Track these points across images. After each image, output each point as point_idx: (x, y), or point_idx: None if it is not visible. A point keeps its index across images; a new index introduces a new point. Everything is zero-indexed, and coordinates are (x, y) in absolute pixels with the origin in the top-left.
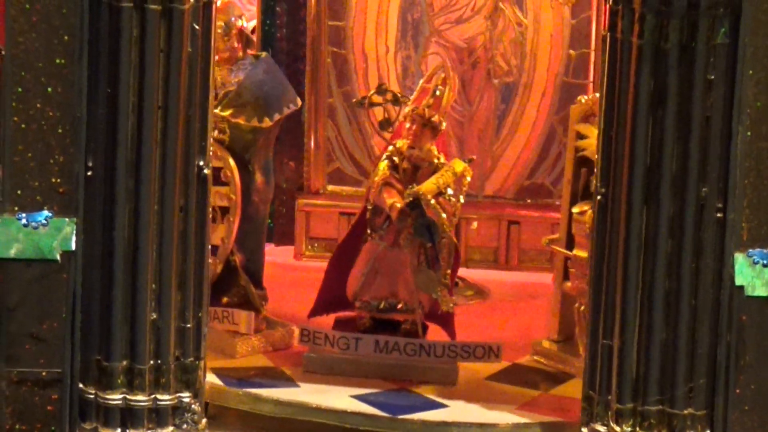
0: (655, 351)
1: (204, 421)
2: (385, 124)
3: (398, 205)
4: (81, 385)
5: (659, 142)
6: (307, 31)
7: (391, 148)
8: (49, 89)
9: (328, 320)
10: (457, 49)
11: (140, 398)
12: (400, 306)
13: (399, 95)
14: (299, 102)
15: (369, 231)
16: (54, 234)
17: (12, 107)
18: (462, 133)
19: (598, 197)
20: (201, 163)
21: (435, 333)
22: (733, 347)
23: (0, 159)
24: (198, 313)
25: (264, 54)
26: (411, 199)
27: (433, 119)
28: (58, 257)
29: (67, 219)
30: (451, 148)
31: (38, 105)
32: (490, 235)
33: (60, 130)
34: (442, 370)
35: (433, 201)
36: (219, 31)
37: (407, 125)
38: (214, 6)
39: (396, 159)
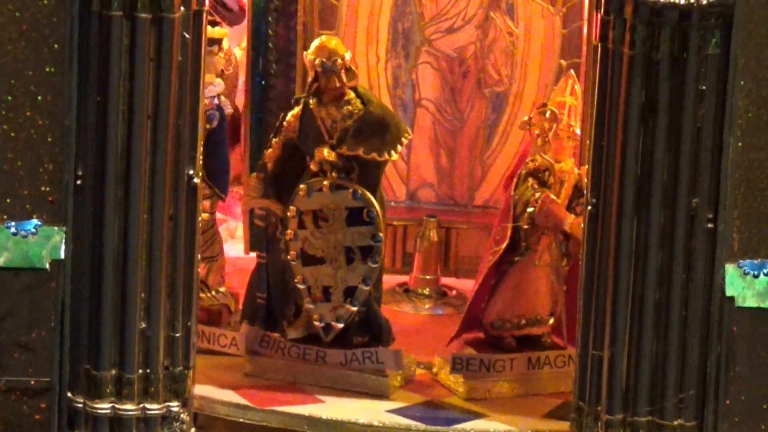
0: (645, 361)
1: (193, 430)
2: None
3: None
4: (70, 394)
5: (650, 152)
6: (297, 40)
7: (530, 164)
8: (39, 98)
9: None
10: (448, 58)
11: (129, 407)
12: (538, 319)
13: (558, 113)
14: (410, 131)
15: (524, 249)
16: (43, 243)
17: (1, 115)
18: (452, 143)
19: (589, 207)
20: (191, 172)
21: None
22: (724, 358)
23: None
24: (187, 323)
25: (361, 87)
26: None
27: (576, 132)
28: (47, 266)
29: (56, 228)
30: (441, 158)
31: (28, 113)
32: (479, 244)
33: (49, 139)
34: None
35: None
36: (318, 68)
37: (550, 140)
38: (204, 15)
39: (542, 175)
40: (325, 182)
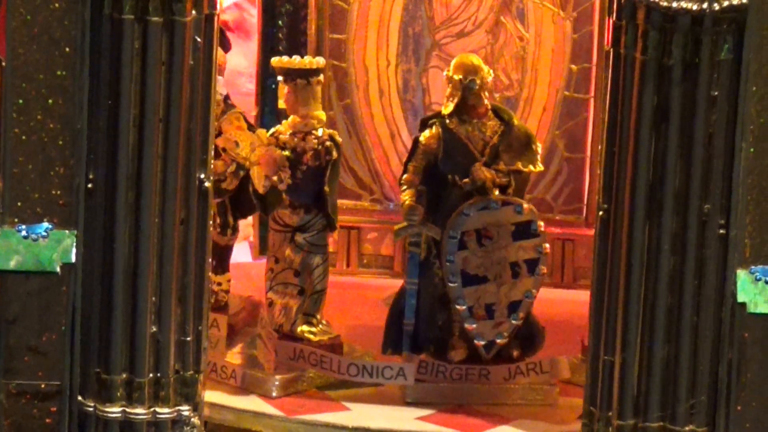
0: (657, 367)
1: None
2: None
3: None
4: (80, 398)
5: (662, 158)
6: (308, 44)
7: None
8: (50, 101)
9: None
10: None
11: (139, 411)
12: None
13: None
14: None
15: None
16: (54, 246)
17: (12, 119)
18: None
19: (600, 213)
20: (202, 175)
21: None
22: (735, 364)
23: (0, 170)
24: (198, 327)
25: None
26: None
27: None
28: (58, 269)
29: (67, 231)
30: None
31: (39, 117)
32: None
33: (60, 142)
34: None
35: None
36: (467, 87)
37: None
38: (216, 18)
39: None
40: (492, 200)
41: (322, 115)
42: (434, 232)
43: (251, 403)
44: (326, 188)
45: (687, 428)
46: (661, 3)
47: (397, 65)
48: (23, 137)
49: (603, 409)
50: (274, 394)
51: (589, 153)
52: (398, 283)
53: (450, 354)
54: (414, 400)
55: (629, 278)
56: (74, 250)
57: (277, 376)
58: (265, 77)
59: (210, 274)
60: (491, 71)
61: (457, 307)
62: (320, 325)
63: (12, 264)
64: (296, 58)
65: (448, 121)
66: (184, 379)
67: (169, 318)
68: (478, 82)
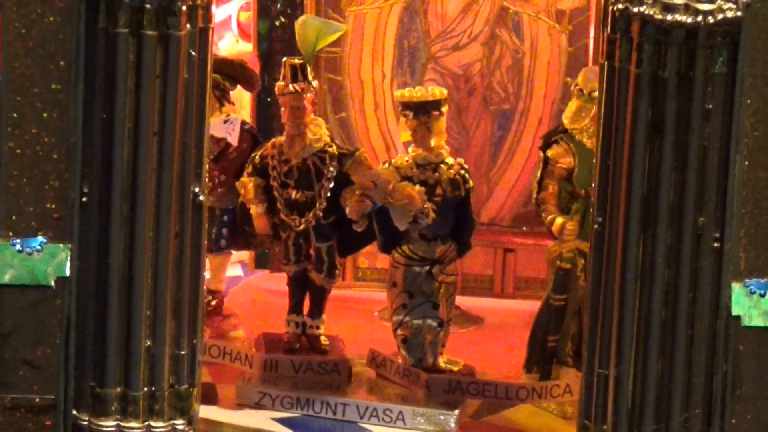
0: (651, 380)
1: None
2: None
3: None
4: (75, 412)
5: (656, 171)
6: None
7: None
8: (45, 115)
9: None
10: (454, 75)
11: (134, 425)
12: None
13: None
14: None
15: None
16: (48, 260)
17: (7, 132)
18: None
19: (595, 226)
20: (196, 189)
21: None
22: (730, 377)
23: None
24: (192, 340)
25: None
26: None
27: None
28: (53, 283)
29: (61, 245)
30: None
31: (33, 130)
32: (485, 262)
33: (55, 156)
34: None
35: None
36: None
37: None
38: (210, 32)
39: None
40: None
41: (445, 144)
42: (585, 246)
43: None
44: (474, 217)
45: None
46: (655, 16)
47: (392, 78)
48: (18, 151)
49: (598, 423)
50: (453, 426)
51: None
52: None
53: None
54: (572, 415)
55: (624, 291)
56: (69, 264)
57: (455, 410)
58: (260, 92)
59: (306, 318)
60: None
61: None
62: (445, 355)
63: (6, 278)
64: (420, 90)
65: (576, 134)
66: (178, 392)
67: (163, 332)
68: None
